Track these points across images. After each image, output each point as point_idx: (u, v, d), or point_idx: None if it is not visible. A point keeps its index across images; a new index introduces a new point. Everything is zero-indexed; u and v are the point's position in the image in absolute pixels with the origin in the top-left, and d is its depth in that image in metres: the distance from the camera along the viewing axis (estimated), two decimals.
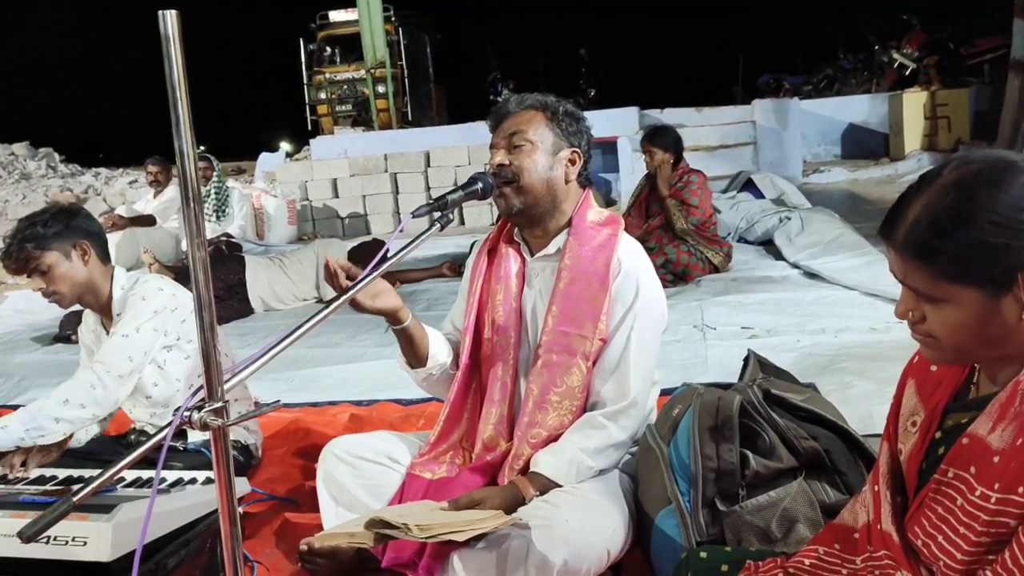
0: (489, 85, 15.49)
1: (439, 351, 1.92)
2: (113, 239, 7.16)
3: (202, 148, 7.69)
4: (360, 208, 9.70)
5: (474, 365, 1.96)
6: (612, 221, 1.89)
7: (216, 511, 1.86)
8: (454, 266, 5.92)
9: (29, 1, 25.31)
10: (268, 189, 9.11)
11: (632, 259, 1.85)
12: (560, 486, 1.70)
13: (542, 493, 1.68)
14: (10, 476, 2.10)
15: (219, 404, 1.28)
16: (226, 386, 1.31)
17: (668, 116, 10.34)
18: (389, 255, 1.57)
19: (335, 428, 2.78)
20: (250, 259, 5.46)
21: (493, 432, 1.88)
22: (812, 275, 4.68)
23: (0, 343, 5.00)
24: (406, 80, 14.53)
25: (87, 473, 2.06)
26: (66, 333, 4.77)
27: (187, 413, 1.26)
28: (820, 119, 10.59)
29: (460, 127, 10.63)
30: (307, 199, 9.77)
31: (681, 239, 4.81)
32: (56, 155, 15.73)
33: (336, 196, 9.80)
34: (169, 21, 1.13)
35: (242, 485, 2.15)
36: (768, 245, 5.70)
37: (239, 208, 7.46)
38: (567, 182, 1.85)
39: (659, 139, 4.89)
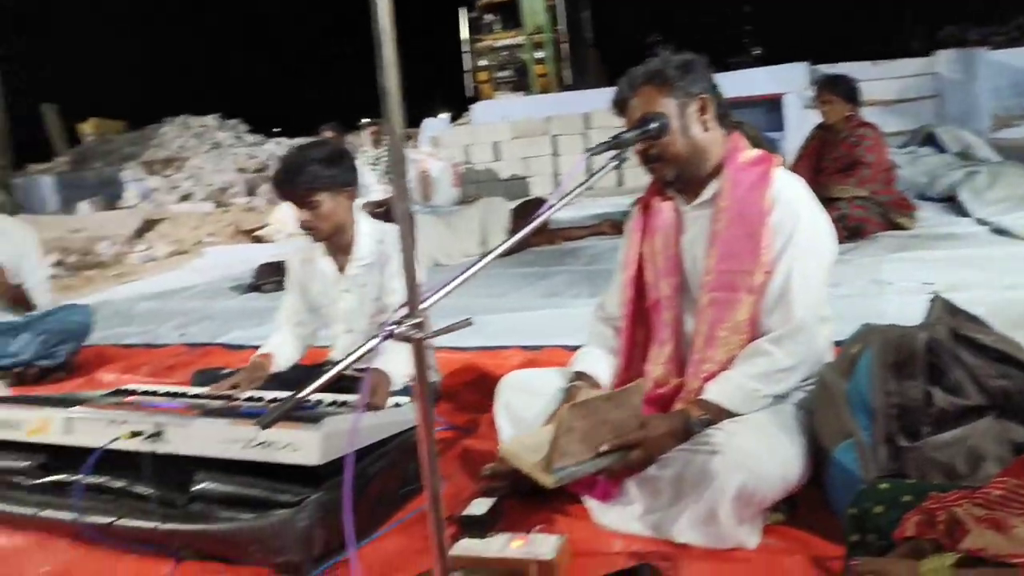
0: (648, 47, 15.23)
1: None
2: None
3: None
4: (521, 170, 9.88)
5: (638, 312, 2.02)
6: (764, 159, 1.88)
7: (408, 431, 2.05)
8: (615, 224, 5.94)
9: None
10: (433, 153, 9.46)
11: (789, 192, 1.83)
12: (730, 413, 1.73)
13: (711, 418, 1.72)
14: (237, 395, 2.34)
15: (419, 319, 1.41)
16: (424, 304, 1.44)
17: (841, 71, 9.79)
18: (562, 195, 1.64)
19: (507, 369, 2.90)
20: (419, 217, 5.72)
21: (663, 371, 1.94)
22: (1001, 231, 4.35)
23: (203, 291, 5.56)
24: (564, 45, 14.55)
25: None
26: (259, 283, 5.23)
27: (390, 327, 1.40)
28: (1013, 71, 9.68)
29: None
30: (469, 162, 10.06)
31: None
32: (242, 126, 16.97)
33: (497, 159, 10.02)
34: None
35: (432, 412, 2.30)
36: (950, 202, 5.34)
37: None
38: (707, 130, 1.85)
39: (839, 87, 4.67)
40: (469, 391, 2.82)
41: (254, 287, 5.27)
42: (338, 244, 2.55)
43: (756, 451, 1.60)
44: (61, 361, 3.57)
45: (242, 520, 1.77)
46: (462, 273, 1.51)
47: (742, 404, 1.74)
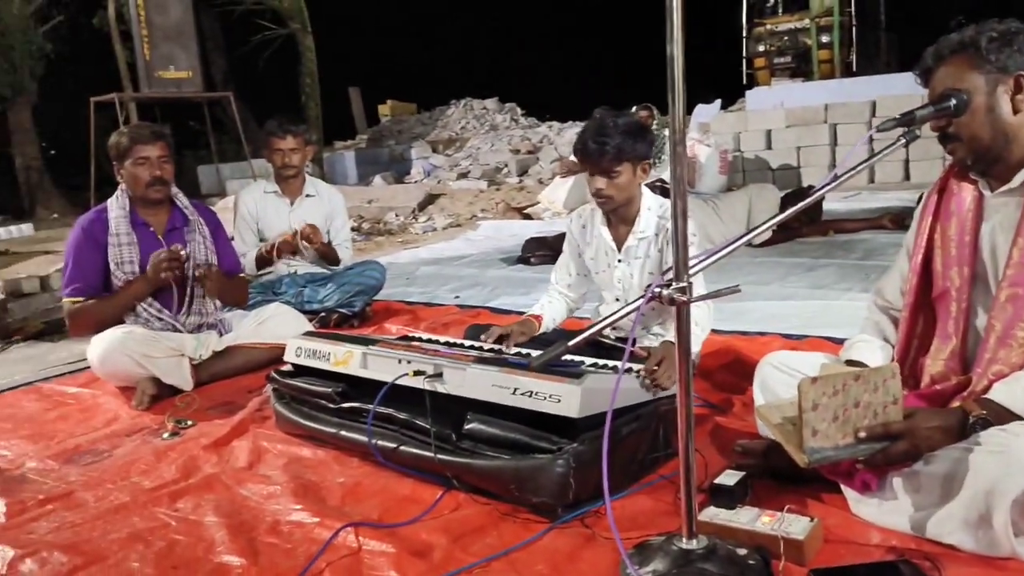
0: (952, 31, 13.76)
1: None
2: (566, 183, 8.01)
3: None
4: (793, 160, 9.44)
5: (921, 302, 1.90)
6: None
7: (662, 400, 2.11)
8: (896, 218, 5.52)
9: None
10: (701, 139, 9.30)
11: None
12: (1015, 417, 1.59)
13: (993, 419, 1.59)
14: (505, 350, 2.54)
15: (684, 283, 1.47)
16: (691, 270, 1.49)
17: None
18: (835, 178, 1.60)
19: (765, 354, 2.86)
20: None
21: (943, 368, 1.81)
22: None
23: (476, 260, 5.99)
24: (853, 28, 13.59)
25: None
26: (526, 255, 5.53)
27: (657, 289, 1.47)
28: None
29: (912, 75, 9.67)
30: (739, 150, 9.79)
31: None
32: (518, 109, 17.83)
33: (769, 148, 9.66)
34: None
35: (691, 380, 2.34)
36: None
37: None
38: (1016, 112, 1.66)
39: None
40: (725, 372, 2.81)
41: (522, 259, 5.58)
42: (622, 216, 2.65)
43: None
44: (357, 310, 4.05)
45: (505, 460, 1.93)
46: (729, 244, 1.54)
47: None
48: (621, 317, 1.55)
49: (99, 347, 2.89)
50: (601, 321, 1.50)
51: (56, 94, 17.77)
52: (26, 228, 8.92)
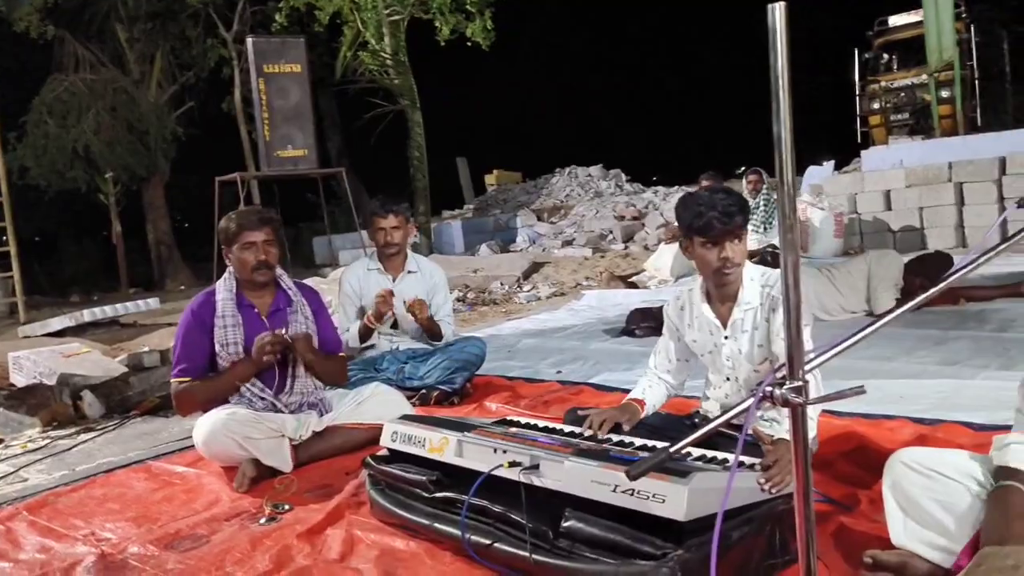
0: None
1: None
2: (672, 249, 7.85)
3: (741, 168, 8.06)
4: (916, 221, 8.96)
5: None
6: None
7: (778, 500, 1.93)
8: None
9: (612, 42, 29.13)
10: (814, 202, 8.98)
11: None
12: None
13: None
14: (599, 436, 2.43)
15: (799, 383, 1.32)
16: (807, 367, 1.34)
17: None
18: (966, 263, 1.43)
19: (893, 442, 2.62)
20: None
21: None
22: None
23: (578, 331, 5.87)
24: (976, 82, 12.99)
25: (656, 443, 2.27)
26: (631, 327, 5.37)
27: (768, 388, 1.33)
28: None
29: None
30: (855, 212, 9.39)
31: None
32: (623, 175, 17.83)
33: (888, 208, 9.22)
34: (777, 14, 1.21)
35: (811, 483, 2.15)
36: None
37: None
38: None
39: None
40: (847, 462, 2.58)
41: (626, 331, 5.42)
42: (725, 292, 2.52)
43: None
44: (457, 387, 4.00)
45: (605, 565, 1.79)
46: (851, 336, 1.38)
47: None
48: (730, 419, 1.41)
49: (203, 429, 2.93)
50: (708, 425, 1.37)
51: (187, 173, 19.08)
52: (153, 302, 9.41)
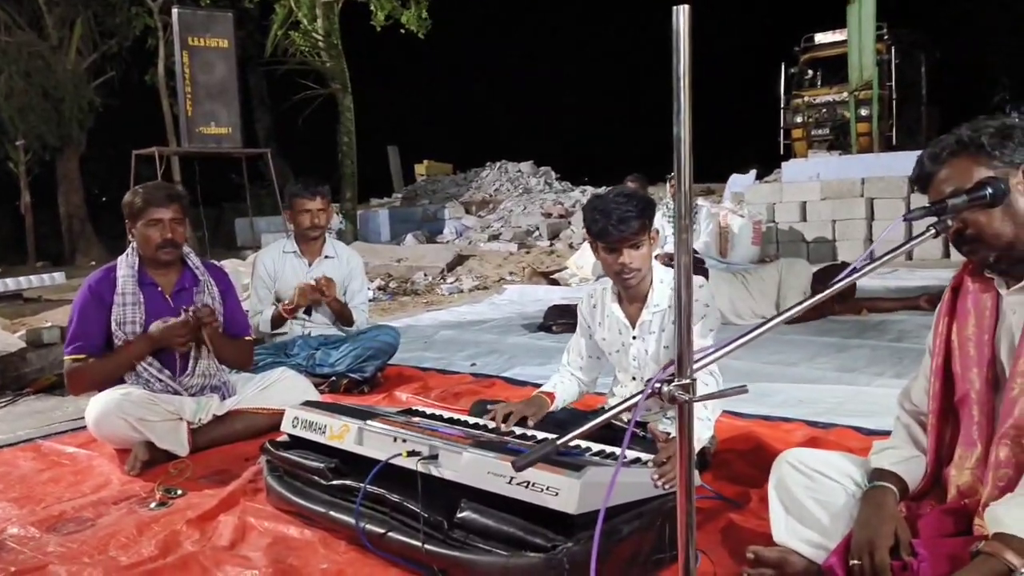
0: (995, 108, 13.63)
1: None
2: None
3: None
4: (829, 233, 9.29)
5: (945, 407, 1.76)
6: None
7: (669, 496, 1.96)
8: (933, 299, 5.28)
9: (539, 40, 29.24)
10: (735, 209, 9.21)
11: None
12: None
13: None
14: (501, 429, 2.43)
15: (688, 380, 1.34)
16: (695, 366, 1.37)
17: None
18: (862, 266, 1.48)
19: (788, 444, 2.70)
20: (713, 273, 5.57)
21: (970, 478, 1.66)
22: None
23: (497, 325, 5.88)
24: (894, 102, 13.53)
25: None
26: (548, 323, 5.41)
27: (658, 384, 1.35)
28: None
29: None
30: (773, 221, 9.67)
31: None
32: (552, 173, 17.92)
33: (804, 219, 9.53)
34: (682, 17, 1.22)
35: (694, 479, 2.20)
36: None
37: (705, 225, 7.69)
38: None
39: None
40: (743, 462, 2.65)
41: (544, 327, 5.46)
42: (635, 292, 2.55)
43: None
44: (368, 376, 3.95)
45: (495, 557, 1.80)
46: (739, 338, 1.41)
47: None
48: (618, 412, 1.43)
49: (95, 409, 2.82)
50: (598, 417, 1.38)
51: (106, 146, 18.35)
52: (59, 276, 9.03)
